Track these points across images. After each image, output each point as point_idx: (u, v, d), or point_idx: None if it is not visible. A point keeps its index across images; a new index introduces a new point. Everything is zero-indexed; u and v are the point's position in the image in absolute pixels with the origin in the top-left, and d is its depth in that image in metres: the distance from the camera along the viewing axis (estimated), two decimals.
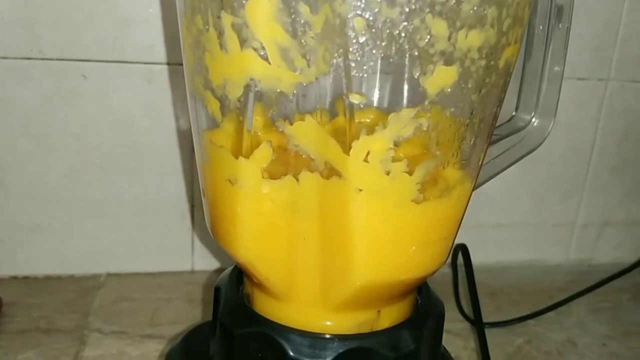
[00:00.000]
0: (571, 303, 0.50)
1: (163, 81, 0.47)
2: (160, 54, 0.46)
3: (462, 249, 0.46)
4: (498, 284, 0.54)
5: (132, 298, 0.47)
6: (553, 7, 0.29)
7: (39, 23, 0.43)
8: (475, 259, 0.46)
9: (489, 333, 0.42)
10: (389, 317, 0.27)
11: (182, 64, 0.45)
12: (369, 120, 0.22)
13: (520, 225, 0.57)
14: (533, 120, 0.31)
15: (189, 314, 0.46)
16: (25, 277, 0.49)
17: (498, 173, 0.31)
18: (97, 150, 0.47)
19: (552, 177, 0.55)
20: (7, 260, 0.48)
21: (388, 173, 0.23)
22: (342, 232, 0.24)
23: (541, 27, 0.30)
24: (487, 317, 0.44)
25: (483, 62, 0.22)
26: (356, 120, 0.22)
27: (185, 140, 0.48)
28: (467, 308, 0.48)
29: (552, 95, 0.31)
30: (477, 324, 0.41)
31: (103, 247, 0.49)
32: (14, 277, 0.49)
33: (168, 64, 0.46)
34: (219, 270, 0.52)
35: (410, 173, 0.23)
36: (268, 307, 0.27)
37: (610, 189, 0.57)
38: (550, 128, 0.31)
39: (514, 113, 0.32)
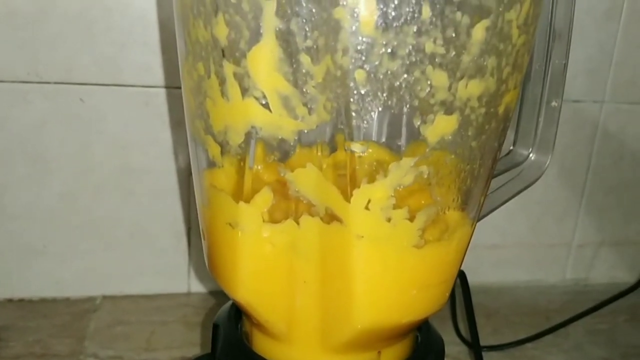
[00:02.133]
0: (569, 326, 0.50)
1: (160, 104, 0.47)
2: (158, 77, 0.46)
3: (459, 273, 0.45)
4: (495, 305, 0.54)
5: (127, 321, 0.47)
6: (550, 44, 0.29)
7: (36, 46, 0.43)
8: (472, 279, 0.46)
9: (487, 357, 0.43)
10: (390, 357, 0.27)
11: (179, 87, 0.46)
12: (368, 167, 0.22)
13: (517, 246, 0.57)
14: (531, 155, 0.31)
15: (185, 337, 0.46)
16: (21, 300, 0.49)
17: (495, 208, 0.31)
18: (93, 172, 0.47)
19: (548, 197, 0.56)
20: (2, 282, 0.48)
21: (389, 220, 0.23)
22: (343, 276, 0.24)
23: (538, 64, 0.30)
24: (484, 340, 0.44)
25: (483, 110, 0.22)
26: (357, 167, 0.22)
27: (182, 163, 0.48)
28: (465, 330, 0.48)
29: (549, 130, 0.31)
30: (475, 349, 0.41)
31: (99, 269, 0.49)
32: (9, 300, 0.48)
33: (165, 87, 0.46)
34: (214, 293, 0.52)
35: (411, 219, 0.23)
36: (267, 347, 0.27)
37: (606, 209, 0.58)
38: (547, 163, 0.31)
39: (511, 147, 0.32)
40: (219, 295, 0.52)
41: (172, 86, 0.46)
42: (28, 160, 0.46)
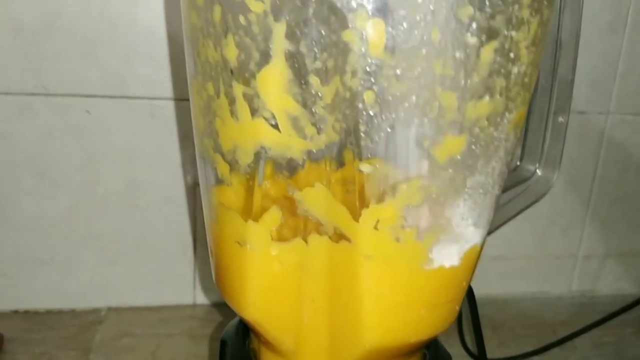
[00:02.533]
0: (575, 338, 0.50)
1: (166, 116, 0.47)
2: (163, 89, 0.46)
3: None
4: (501, 318, 0.53)
5: (133, 333, 0.47)
6: (557, 59, 0.29)
7: (43, 59, 0.43)
8: (478, 291, 0.46)
9: None
10: None
11: (184, 99, 0.46)
12: (377, 187, 0.22)
13: (523, 258, 0.57)
14: (537, 170, 0.31)
15: (190, 350, 0.46)
16: (26, 312, 0.49)
17: (502, 224, 0.31)
18: (99, 184, 0.47)
19: (553, 209, 0.56)
20: (9, 294, 0.48)
21: (398, 240, 0.23)
22: (351, 295, 0.24)
23: (545, 80, 0.30)
24: (490, 353, 0.44)
25: (492, 129, 0.22)
26: (366, 186, 0.22)
27: (188, 175, 0.48)
28: (471, 343, 0.48)
29: (556, 145, 0.31)
30: None
31: (104, 281, 0.49)
32: (15, 312, 0.49)
33: (171, 99, 0.46)
34: (220, 304, 0.52)
35: (420, 239, 0.23)
36: None
37: (612, 220, 0.57)
38: (554, 178, 0.31)
39: (518, 163, 0.32)
40: (224, 307, 0.52)
41: (178, 98, 0.46)
42: (34, 172, 0.46)
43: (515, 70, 0.21)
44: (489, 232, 0.30)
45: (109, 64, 0.44)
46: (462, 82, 0.20)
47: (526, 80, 0.22)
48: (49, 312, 0.49)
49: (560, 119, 0.30)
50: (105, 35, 0.44)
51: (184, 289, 0.51)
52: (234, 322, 0.31)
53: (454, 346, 0.48)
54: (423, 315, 0.25)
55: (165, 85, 0.46)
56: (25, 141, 0.45)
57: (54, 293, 0.49)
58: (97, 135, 0.46)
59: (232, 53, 0.22)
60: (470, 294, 0.46)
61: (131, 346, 0.45)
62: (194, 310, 0.51)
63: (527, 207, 0.31)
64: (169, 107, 0.47)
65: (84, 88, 0.45)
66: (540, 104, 0.30)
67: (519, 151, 0.32)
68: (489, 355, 0.43)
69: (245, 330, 0.30)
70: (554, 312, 0.56)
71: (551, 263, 0.58)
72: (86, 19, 0.43)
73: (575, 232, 0.57)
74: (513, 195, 0.31)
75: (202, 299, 0.52)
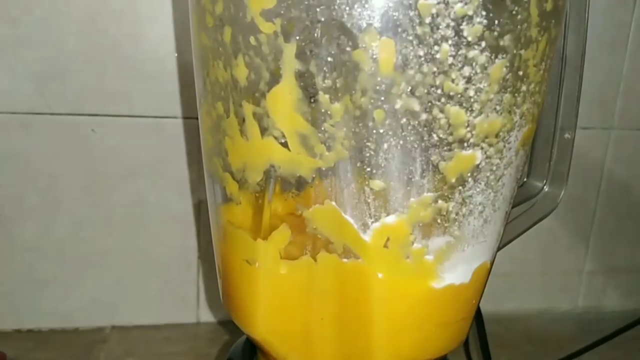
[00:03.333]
0: (582, 355, 0.49)
1: (171, 134, 0.47)
2: (169, 107, 0.46)
3: None
4: (508, 335, 0.53)
5: (137, 352, 0.47)
6: (563, 76, 0.30)
7: (48, 78, 0.44)
8: (484, 307, 0.46)
9: None
10: None
11: (189, 118, 0.46)
12: (387, 204, 0.22)
13: (528, 274, 0.57)
14: (545, 187, 0.31)
15: None
16: (29, 331, 0.48)
17: (510, 241, 0.31)
18: (103, 203, 0.47)
19: (558, 225, 0.55)
20: (12, 313, 0.48)
21: (408, 258, 0.23)
22: (361, 313, 0.24)
23: (551, 97, 0.30)
24: None
25: (501, 146, 0.22)
26: (375, 204, 0.22)
27: (193, 193, 0.48)
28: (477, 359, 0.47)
29: (563, 162, 0.31)
30: None
31: (108, 300, 0.49)
32: (18, 331, 0.48)
33: (176, 117, 0.46)
34: (224, 323, 0.51)
35: (430, 257, 0.23)
36: None
37: (617, 236, 0.57)
38: (562, 195, 0.31)
39: (525, 179, 0.32)
40: (228, 325, 0.51)
41: (183, 117, 0.46)
42: (39, 191, 0.46)
43: (524, 87, 0.22)
44: (497, 249, 0.30)
45: (114, 83, 0.45)
46: (471, 99, 0.20)
47: (535, 97, 0.22)
48: (52, 332, 0.48)
49: (567, 135, 0.30)
50: (110, 54, 0.44)
51: (187, 308, 0.51)
52: (240, 341, 0.30)
53: None
54: (433, 334, 0.25)
55: (170, 104, 0.46)
56: (30, 160, 0.45)
57: (58, 312, 0.48)
58: (101, 154, 0.46)
59: (242, 73, 0.22)
60: (477, 311, 0.46)
61: None
62: (197, 328, 0.51)
63: (535, 223, 0.31)
64: (174, 126, 0.47)
65: (89, 107, 0.45)
66: (547, 120, 0.30)
67: (525, 167, 0.32)
68: None
69: (252, 349, 0.29)
70: (561, 328, 0.55)
71: (557, 279, 0.57)
72: (91, 38, 0.44)
73: (580, 248, 0.57)
74: (520, 212, 0.31)
75: (205, 317, 0.51)
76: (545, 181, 0.31)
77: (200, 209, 0.49)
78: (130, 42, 0.44)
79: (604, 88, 0.53)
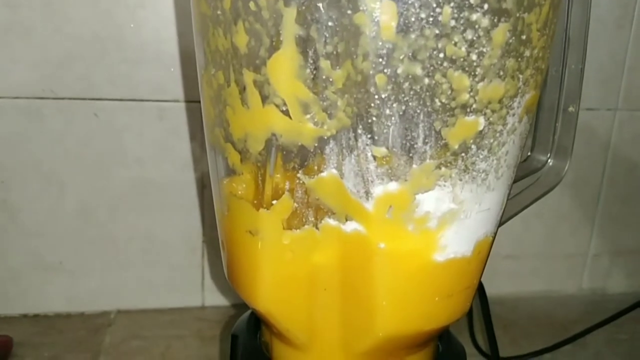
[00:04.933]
0: (587, 335, 0.49)
1: (174, 118, 0.47)
2: (171, 91, 0.46)
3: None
4: (511, 316, 0.53)
5: (142, 336, 0.47)
6: (567, 48, 0.29)
7: (51, 63, 0.44)
8: (488, 290, 0.46)
9: None
10: None
11: (193, 101, 0.46)
12: (389, 172, 0.22)
13: (533, 256, 0.56)
14: (549, 161, 0.31)
15: (200, 351, 0.45)
16: (36, 316, 0.49)
17: (515, 214, 0.31)
18: (107, 187, 0.47)
19: (563, 207, 0.55)
20: (18, 298, 0.48)
21: (410, 227, 0.22)
22: (363, 283, 0.24)
23: (555, 69, 0.30)
24: (501, 351, 0.44)
25: (504, 112, 0.22)
26: (378, 172, 0.22)
27: (196, 177, 0.48)
28: (482, 341, 0.47)
29: (567, 135, 0.31)
30: None
31: (113, 284, 0.49)
32: (24, 316, 0.48)
33: (179, 101, 0.46)
34: (229, 307, 0.52)
35: (432, 227, 0.23)
36: (287, 357, 0.27)
37: (621, 218, 0.57)
38: (566, 169, 0.31)
39: (529, 153, 0.32)
40: (233, 308, 0.51)
41: (187, 100, 0.46)
42: (43, 176, 0.46)
43: (527, 53, 0.21)
44: (502, 223, 0.29)
45: (117, 67, 0.45)
46: (474, 63, 0.20)
47: (538, 63, 0.22)
48: (58, 316, 0.49)
49: (571, 109, 0.30)
50: (113, 38, 0.44)
51: (192, 292, 0.51)
52: (244, 316, 0.30)
53: (465, 345, 0.47)
54: (437, 304, 0.25)
55: (173, 88, 0.46)
56: (34, 145, 0.45)
57: (63, 297, 0.49)
58: (105, 139, 0.46)
59: (242, 40, 0.22)
60: (481, 293, 0.46)
61: (141, 348, 0.45)
62: (203, 312, 0.51)
63: (540, 197, 0.31)
64: (177, 110, 0.47)
65: (92, 91, 0.45)
66: (551, 94, 0.30)
67: (529, 142, 0.32)
68: (500, 354, 0.42)
69: (256, 324, 0.30)
70: (565, 310, 0.55)
71: (561, 262, 0.57)
72: (94, 22, 0.43)
73: (585, 230, 0.57)
74: (525, 186, 0.31)
75: (210, 301, 0.51)
76: (549, 155, 0.31)
77: (204, 193, 0.49)
78: (132, 25, 0.44)
79: (608, 68, 0.52)
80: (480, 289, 0.45)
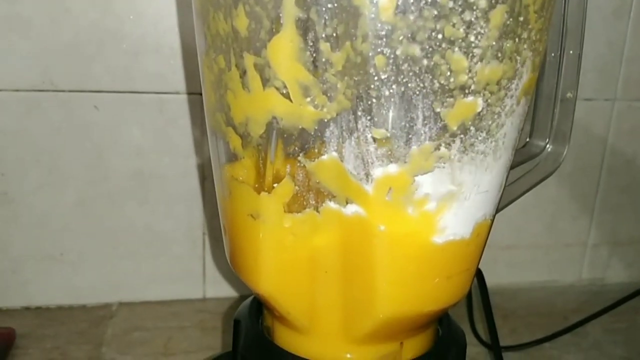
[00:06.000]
0: (586, 324, 0.50)
1: (174, 110, 0.47)
2: (171, 83, 0.46)
3: (477, 272, 0.45)
4: (511, 306, 0.53)
5: (144, 327, 0.47)
6: (565, 33, 0.30)
7: (50, 55, 0.44)
8: (488, 280, 0.46)
9: (505, 357, 0.42)
10: (412, 348, 0.27)
11: (192, 93, 0.46)
12: (389, 154, 0.22)
13: (532, 246, 0.57)
14: (547, 146, 0.31)
15: (202, 342, 0.46)
16: (38, 308, 0.49)
17: (514, 200, 0.31)
18: (108, 179, 0.47)
19: (562, 197, 0.56)
20: (19, 291, 0.48)
21: (410, 210, 0.23)
22: (364, 266, 0.24)
23: (553, 54, 0.30)
24: (501, 340, 0.44)
25: (502, 94, 0.22)
26: (378, 154, 0.22)
27: (197, 169, 0.48)
28: (482, 331, 0.48)
29: (565, 121, 0.31)
30: (495, 349, 0.41)
31: (114, 276, 0.49)
32: (26, 308, 0.49)
33: (179, 93, 0.46)
34: (230, 298, 0.52)
35: (432, 209, 0.23)
36: (289, 340, 0.27)
37: (621, 208, 0.57)
38: (564, 154, 0.31)
39: (527, 139, 0.32)
40: (234, 300, 0.52)
41: (187, 92, 0.46)
42: (43, 168, 0.46)
43: (525, 34, 0.22)
44: (501, 208, 0.30)
45: (116, 59, 0.45)
46: (472, 45, 0.20)
47: (536, 45, 0.22)
48: (60, 308, 0.49)
49: (569, 94, 0.30)
50: (112, 30, 0.44)
51: (193, 284, 0.51)
52: (246, 302, 0.31)
53: (465, 334, 0.47)
54: (437, 285, 0.25)
55: (172, 80, 0.46)
56: (34, 137, 0.45)
57: (65, 289, 0.49)
58: (105, 131, 0.46)
59: (242, 23, 0.22)
60: (481, 282, 0.46)
61: (143, 339, 0.45)
62: (204, 304, 0.51)
63: (538, 183, 0.31)
64: (177, 102, 0.47)
65: (92, 84, 0.45)
66: (549, 80, 0.30)
67: (528, 127, 0.32)
68: (500, 343, 0.43)
69: (258, 309, 0.30)
70: (565, 300, 0.55)
71: (561, 252, 0.57)
72: (93, 14, 0.44)
73: (584, 220, 0.57)
74: (523, 172, 0.31)
75: (212, 292, 0.52)
76: (547, 140, 0.31)
77: (204, 185, 0.49)
78: (132, 17, 0.44)
79: (606, 58, 0.52)
80: (480, 279, 0.46)
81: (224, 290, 0.52)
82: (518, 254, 0.56)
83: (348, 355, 0.26)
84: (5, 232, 0.47)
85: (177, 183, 0.48)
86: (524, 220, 0.56)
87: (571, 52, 0.30)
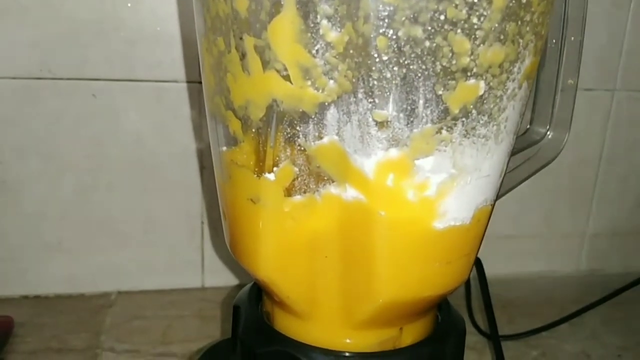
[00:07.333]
0: (584, 314, 0.50)
1: (172, 98, 0.47)
2: (170, 71, 0.46)
3: (476, 262, 0.45)
4: (510, 296, 0.53)
5: (143, 316, 0.47)
6: (566, 20, 0.29)
7: (48, 43, 0.44)
8: (486, 270, 0.46)
9: (503, 346, 0.42)
10: (411, 334, 0.27)
11: (191, 82, 0.46)
12: (390, 137, 0.22)
13: (531, 236, 0.57)
14: (548, 133, 0.31)
15: (201, 331, 0.46)
16: (36, 297, 0.49)
17: (514, 187, 0.31)
18: (106, 168, 0.47)
19: (561, 187, 0.56)
20: (18, 279, 0.48)
21: (410, 195, 0.23)
22: (364, 251, 0.24)
23: (554, 40, 0.30)
24: (499, 330, 0.44)
25: (504, 77, 0.22)
26: (378, 137, 0.22)
27: (195, 158, 0.48)
28: (481, 321, 0.48)
29: (566, 108, 0.31)
30: (494, 338, 0.41)
31: (113, 265, 0.49)
32: (25, 297, 0.49)
33: (177, 81, 0.46)
34: (229, 287, 0.52)
35: (432, 194, 0.23)
36: (289, 326, 0.27)
37: (619, 198, 0.57)
38: (565, 141, 0.31)
39: (528, 126, 0.32)
40: (233, 289, 0.52)
41: (185, 80, 0.46)
42: (41, 156, 0.46)
43: (527, 17, 0.21)
44: (501, 195, 0.30)
45: (115, 47, 0.45)
46: (475, 26, 0.20)
47: (538, 28, 0.22)
48: (58, 297, 0.49)
49: (570, 81, 0.30)
50: (110, 18, 0.44)
51: (192, 273, 0.51)
52: (246, 288, 0.31)
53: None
54: (436, 270, 0.25)
55: (171, 68, 0.46)
56: (32, 126, 0.45)
57: (64, 278, 0.49)
58: (103, 119, 0.46)
59: (242, 4, 0.22)
60: (480, 271, 0.46)
61: (142, 328, 0.45)
62: (203, 293, 0.51)
63: (539, 169, 0.31)
64: (175, 90, 0.47)
65: (90, 72, 0.45)
66: (550, 66, 0.30)
67: (528, 114, 0.32)
68: (499, 332, 0.43)
69: (258, 294, 0.30)
70: (563, 290, 0.56)
71: (559, 242, 0.57)
72: (91, 1, 0.43)
73: (583, 210, 0.57)
74: (524, 159, 0.31)
75: (210, 282, 0.52)
76: (548, 127, 0.31)
77: (203, 174, 0.49)
78: (130, 5, 0.44)
79: (606, 48, 0.52)
80: (480, 269, 0.46)
81: (223, 279, 0.52)
82: (517, 244, 0.57)
83: (348, 340, 0.26)
84: (4, 220, 0.47)
85: (176, 172, 0.48)
86: (523, 211, 0.56)
87: (572, 38, 0.30)
